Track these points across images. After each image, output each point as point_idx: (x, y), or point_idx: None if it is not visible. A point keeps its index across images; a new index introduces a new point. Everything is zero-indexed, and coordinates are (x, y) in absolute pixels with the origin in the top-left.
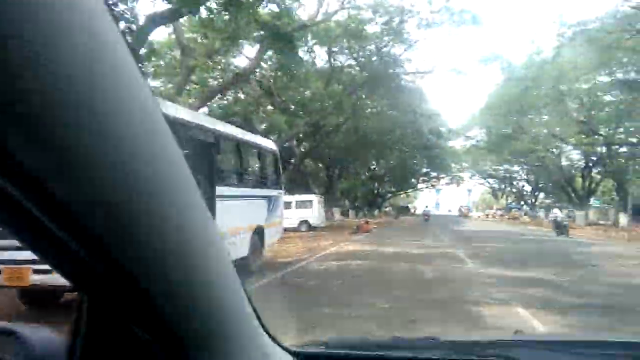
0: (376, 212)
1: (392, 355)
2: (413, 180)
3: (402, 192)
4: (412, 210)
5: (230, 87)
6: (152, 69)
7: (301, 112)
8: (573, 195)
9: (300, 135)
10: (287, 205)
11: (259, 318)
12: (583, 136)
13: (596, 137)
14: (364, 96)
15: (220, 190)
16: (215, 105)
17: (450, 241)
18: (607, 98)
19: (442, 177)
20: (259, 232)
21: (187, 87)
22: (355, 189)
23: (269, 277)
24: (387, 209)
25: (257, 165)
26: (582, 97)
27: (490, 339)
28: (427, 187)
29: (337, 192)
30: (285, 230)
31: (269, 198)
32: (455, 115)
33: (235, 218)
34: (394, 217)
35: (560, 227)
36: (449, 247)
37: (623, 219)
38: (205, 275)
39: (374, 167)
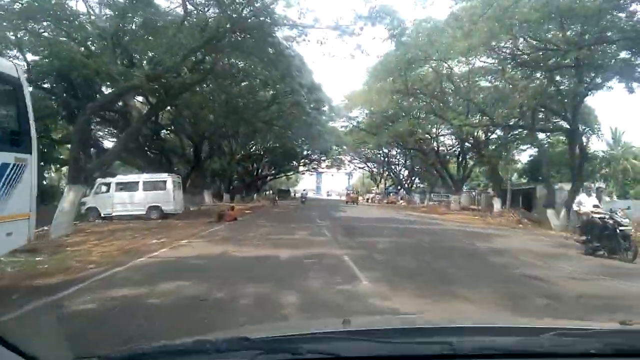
0: (255, 195)
1: None
2: (294, 162)
3: (282, 175)
4: (293, 194)
5: None
6: None
7: (145, 64)
8: (449, 180)
9: (145, 95)
10: (132, 186)
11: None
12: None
13: (481, 119)
14: (230, 60)
15: None
16: None
17: (331, 234)
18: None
19: (323, 160)
20: None
21: None
22: (229, 169)
23: None
24: (267, 193)
25: None
26: (459, 81)
27: (311, 331)
28: (308, 170)
29: (207, 172)
30: (124, 218)
31: None
32: (338, 90)
33: None
34: (271, 202)
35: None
36: (330, 246)
37: (497, 204)
38: None
39: (252, 146)
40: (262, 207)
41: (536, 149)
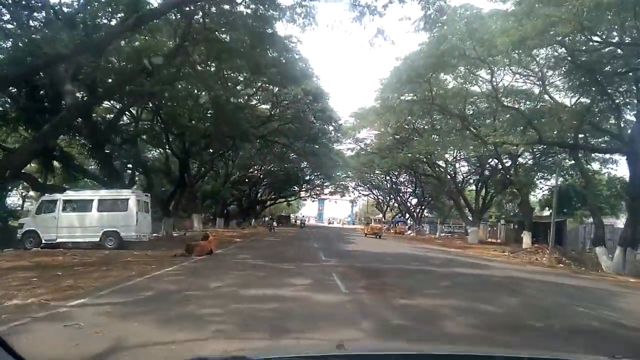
0: (253, 221)
1: None
2: (295, 187)
3: (283, 200)
4: (294, 221)
5: None
6: None
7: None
8: (466, 210)
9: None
10: (84, 206)
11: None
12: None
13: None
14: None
15: None
16: None
17: (345, 284)
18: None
19: (327, 186)
20: None
21: None
22: (223, 192)
23: None
24: (266, 219)
25: None
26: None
27: (307, 354)
28: (310, 196)
29: (198, 194)
30: (72, 246)
31: None
32: (346, 109)
33: None
34: (268, 228)
35: None
36: (353, 323)
37: (527, 238)
38: None
39: (250, 169)
40: (257, 235)
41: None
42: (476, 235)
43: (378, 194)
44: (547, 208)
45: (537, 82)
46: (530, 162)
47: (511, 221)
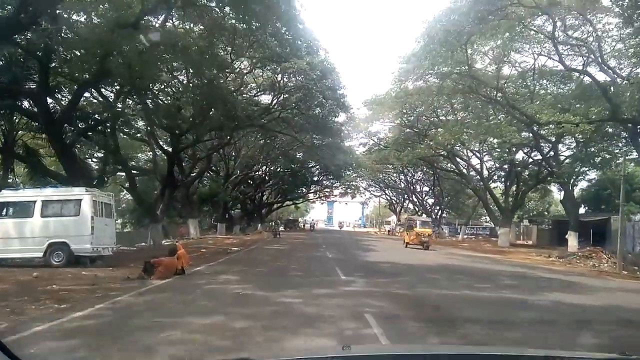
0: (259, 226)
1: None
2: (303, 189)
3: (291, 202)
4: (302, 225)
5: None
6: None
7: None
8: (496, 209)
9: None
10: (24, 209)
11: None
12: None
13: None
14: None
15: None
16: None
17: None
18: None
19: (336, 187)
20: None
21: None
22: (223, 193)
23: None
24: (272, 223)
25: None
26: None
27: (313, 355)
28: (319, 198)
29: (194, 197)
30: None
31: None
32: (357, 98)
33: None
34: (272, 234)
35: None
36: None
37: (573, 240)
38: None
39: (253, 168)
40: (259, 242)
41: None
42: (507, 238)
43: (391, 194)
44: (583, 205)
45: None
46: (567, 152)
47: (534, 220)
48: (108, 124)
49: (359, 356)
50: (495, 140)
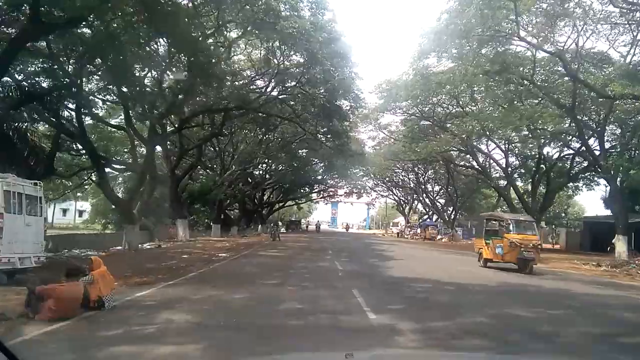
0: (260, 227)
1: None
2: (306, 188)
3: (294, 202)
4: (305, 226)
5: None
6: None
7: None
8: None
9: None
10: None
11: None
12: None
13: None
14: None
15: None
16: None
17: None
18: None
19: (341, 187)
20: None
21: None
22: (217, 191)
23: None
24: (271, 224)
25: None
26: None
27: None
28: (322, 198)
29: (183, 195)
30: None
31: None
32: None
33: None
34: (271, 237)
35: None
36: None
37: (621, 245)
38: None
39: (254, 165)
40: (255, 246)
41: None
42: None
43: (399, 194)
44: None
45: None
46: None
47: (552, 222)
48: (56, 95)
49: None
50: (524, 132)
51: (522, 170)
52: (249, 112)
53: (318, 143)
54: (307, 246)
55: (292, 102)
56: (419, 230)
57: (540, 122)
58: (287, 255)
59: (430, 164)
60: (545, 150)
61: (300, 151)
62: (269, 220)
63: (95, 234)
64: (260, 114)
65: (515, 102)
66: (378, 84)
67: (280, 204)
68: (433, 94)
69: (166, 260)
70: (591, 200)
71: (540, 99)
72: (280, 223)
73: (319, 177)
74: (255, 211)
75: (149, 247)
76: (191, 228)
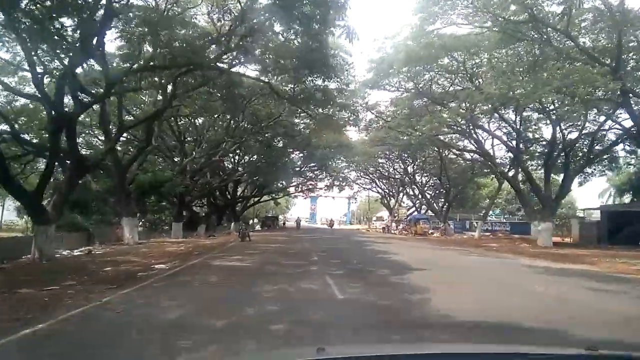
0: (232, 225)
1: None
2: (283, 182)
3: (270, 198)
4: (282, 223)
5: None
6: None
7: None
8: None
9: None
10: None
11: None
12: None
13: None
14: None
15: None
16: None
17: None
18: None
19: (321, 179)
20: None
21: None
22: (172, 184)
23: None
24: (251, 221)
25: None
26: None
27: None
28: (301, 192)
29: (130, 188)
30: None
31: None
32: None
33: None
34: (240, 237)
35: None
36: None
37: None
38: None
39: (225, 155)
40: (214, 250)
41: None
42: (550, 235)
43: (384, 186)
44: (629, 194)
45: None
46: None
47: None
48: None
49: (334, 358)
50: (554, 101)
51: (537, 152)
52: (204, 71)
53: (296, 127)
54: (283, 248)
55: (260, 54)
56: (406, 226)
57: (583, 87)
58: (252, 267)
59: (421, 150)
60: (557, 129)
61: (275, 139)
62: (243, 217)
63: (13, 237)
64: (217, 72)
65: (550, 63)
66: (371, 58)
67: (256, 199)
68: (435, 62)
69: (64, 279)
70: (583, 195)
71: (574, 60)
72: (255, 220)
73: (297, 169)
74: (228, 207)
75: (78, 253)
76: (154, 228)
